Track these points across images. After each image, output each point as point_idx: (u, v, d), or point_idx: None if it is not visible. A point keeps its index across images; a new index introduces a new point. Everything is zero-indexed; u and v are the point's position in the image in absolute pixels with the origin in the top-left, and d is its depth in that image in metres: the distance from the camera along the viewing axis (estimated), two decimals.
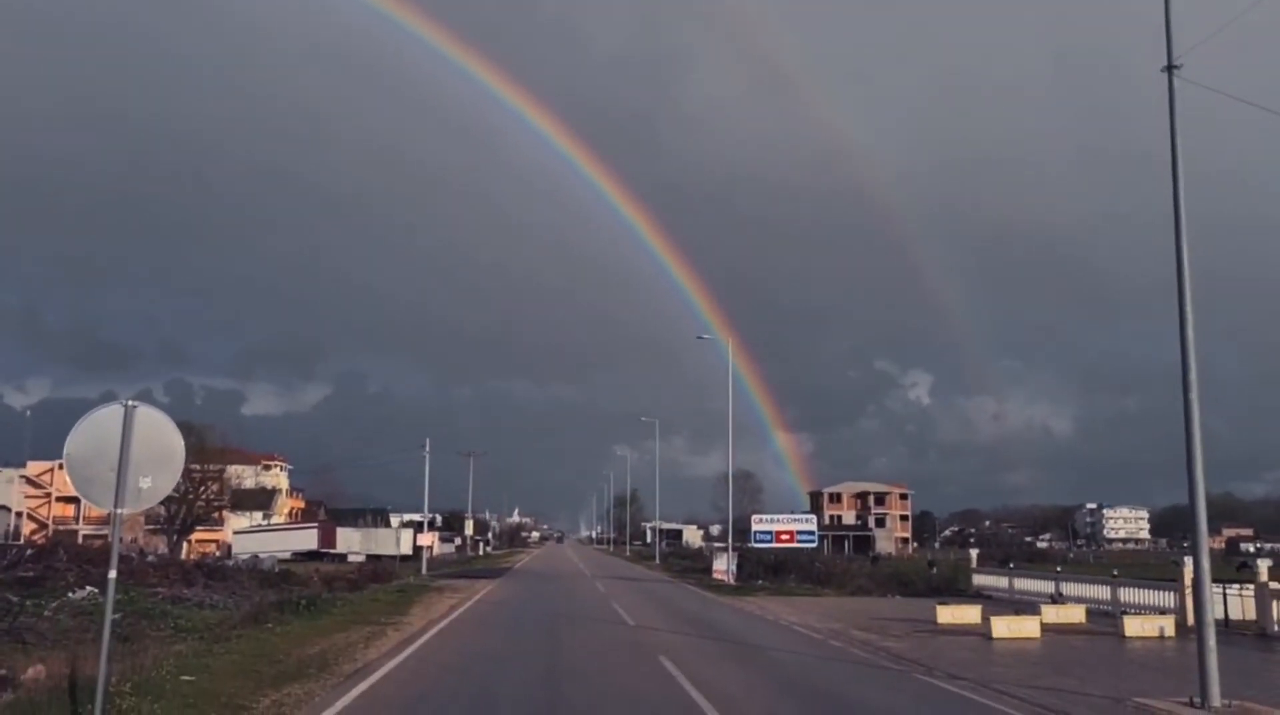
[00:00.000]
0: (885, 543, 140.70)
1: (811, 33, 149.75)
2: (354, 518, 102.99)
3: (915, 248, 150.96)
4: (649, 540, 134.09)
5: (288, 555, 74.11)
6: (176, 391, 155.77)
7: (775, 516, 60.58)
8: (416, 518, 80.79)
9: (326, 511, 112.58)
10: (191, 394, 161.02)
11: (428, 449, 70.28)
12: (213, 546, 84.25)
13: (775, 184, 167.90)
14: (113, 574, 10.94)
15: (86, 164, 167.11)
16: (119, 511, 10.96)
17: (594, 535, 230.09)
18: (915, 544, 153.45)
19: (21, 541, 70.74)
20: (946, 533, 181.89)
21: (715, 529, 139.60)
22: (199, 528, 75.12)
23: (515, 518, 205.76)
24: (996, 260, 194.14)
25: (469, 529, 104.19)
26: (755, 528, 57.89)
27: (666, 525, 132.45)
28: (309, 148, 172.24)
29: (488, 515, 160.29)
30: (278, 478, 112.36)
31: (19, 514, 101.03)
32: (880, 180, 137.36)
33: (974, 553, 53.17)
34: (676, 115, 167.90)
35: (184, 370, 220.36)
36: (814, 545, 60.20)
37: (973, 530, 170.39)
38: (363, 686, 15.39)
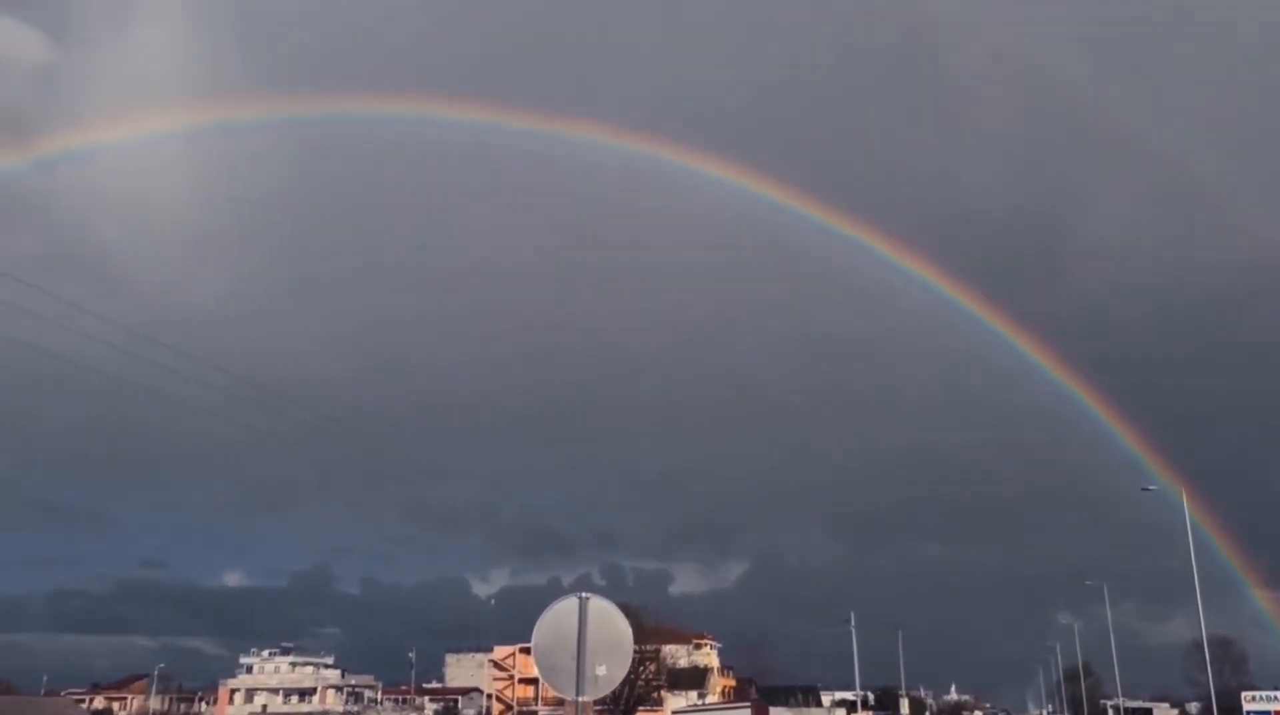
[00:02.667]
0: None
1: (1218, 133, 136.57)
2: (784, 696, 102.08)
3: None
4: None
5: None
6: (611, 574, 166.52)
7: (1276, 693, 51.59)
8: (849, 696, 78.61)
9: (757, 689, 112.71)
10: (624, 575, 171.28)
11: (852, 623, 69.02)
12: None
13: (1206, 295, 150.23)
14: None
15: (521, 373, 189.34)
16: (579, 700, 12.00)
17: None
18: None
19: None
20: None
21: (1193, 707, 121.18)
22: (640, 708, 78.29)
23: (953, 695, 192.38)
24: None
25: (905, 708, 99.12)
26: (1249, 707, 49.77)
27: (1130, 703, 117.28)
28: (716, 338, 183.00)
29: (922, 692, 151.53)
30: (708, 656, 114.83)
31: (489, 695, 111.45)
32: None
33: None
34: (1079, 244, 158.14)
35: (616, 554, 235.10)
36: None
37: None
38: None
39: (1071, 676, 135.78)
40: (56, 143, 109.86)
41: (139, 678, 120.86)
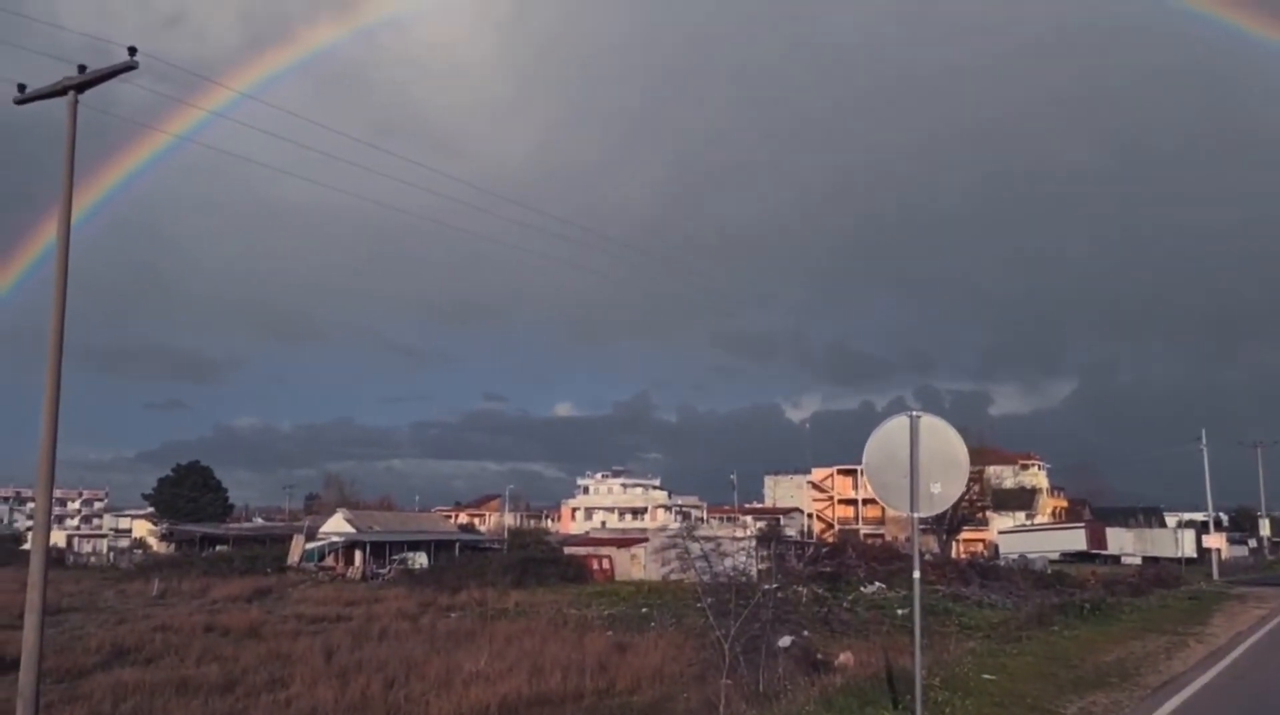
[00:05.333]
0: None
1: None
2: (1123, 517, 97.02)
3: None
4: None
5: (1055, 556, 72.59)
6: (925, 398, 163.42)
7: None
8: (1197, 517, 73.29)
9: (1091, 511, 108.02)
10: (939, 398, 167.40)
11: (1203, 441, 63.48)
12: (980, 546, 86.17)
13: None
14: (916, 574, 11.61)
15: (825, 200, 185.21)
16: (914, 515, 11.60)
17: None
18: None
19: (814, 540, 79.94)
20: None
21: None
22: (965, 528, 77.44)
23: None
24: None
25: (1265, 529, 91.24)
26: None
27: None
28: (1037, 143, 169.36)
29: None
30: (1036, 477, 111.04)
31: (809, 515, 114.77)
32: None
33: None
34: None
35: (930, 377, 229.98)
36: None
37: None
38: (1174, 703, 14.16)
39: None
40: (373, 11, 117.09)
41: (492, 497, 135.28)
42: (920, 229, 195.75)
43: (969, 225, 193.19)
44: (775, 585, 18.90)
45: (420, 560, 65.66)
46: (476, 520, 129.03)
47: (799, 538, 73.19)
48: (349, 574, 61.47)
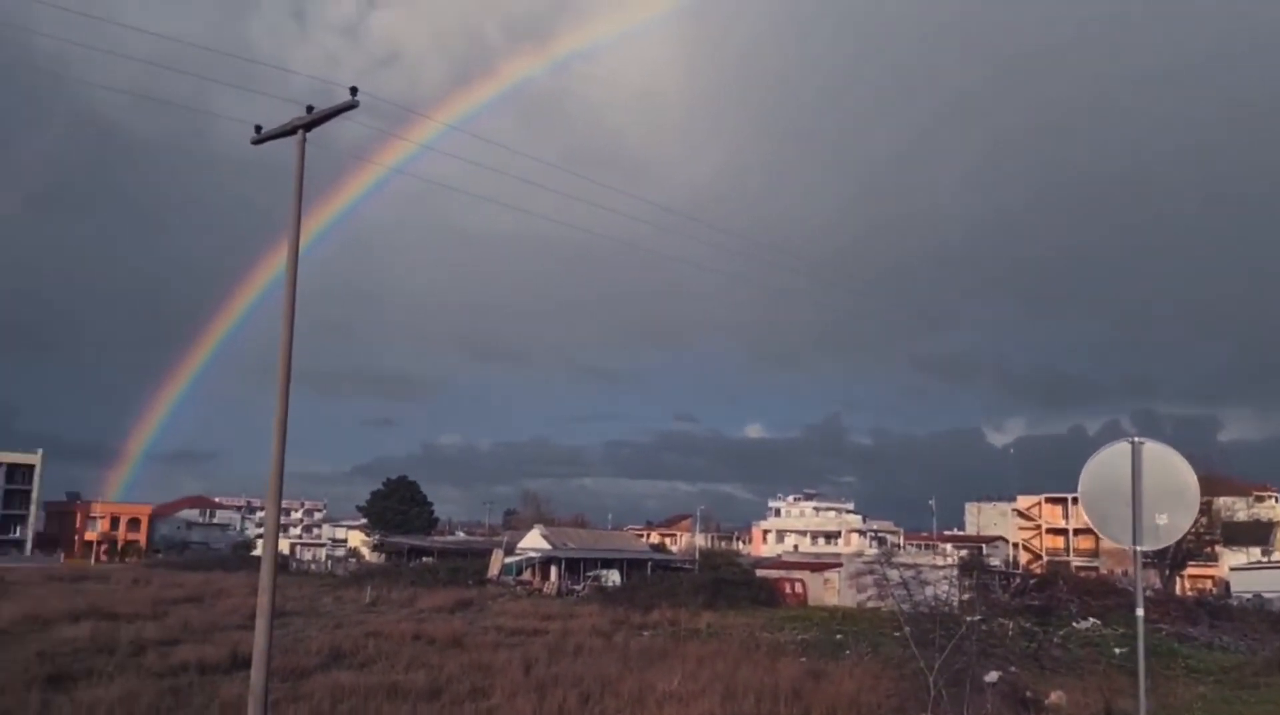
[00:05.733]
0: None
1: None
2: None
3: None
4: None
5: None
6: (1143, 422, 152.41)
7: None
8: None
9: None
10: (1159, 423, 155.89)
11: None
12: (1208, 583, 79.76)
13: None
14: (1140, 611, 10.83)
15: (1030, 219, 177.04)
16: (1137, 548, 10.79)
17: None
18: None
19: (1020, 570, 76.09)
20: None
21: None
22: (1191, 563, 71.92)
23: None
24: None
25: None
26: None
27: None
28: (1206, 159, 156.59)
29: None
30: (1273, 510, 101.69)
31: (1014, 545, 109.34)
32: None
33: None
34: None
35: (1148, 400, 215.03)
36: None
37: None
38: None
39: None
40: (568, 43, 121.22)
41: (683, 517, 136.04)
42: (1138, 244, 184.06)
43: (1196, 240, 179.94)
44: (980, 617, 18.06)
45: (613, 578, 66.72)
46: (668, 540, 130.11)
47: (1003, 568, 69.92)
48: (545, 589, 63.14)
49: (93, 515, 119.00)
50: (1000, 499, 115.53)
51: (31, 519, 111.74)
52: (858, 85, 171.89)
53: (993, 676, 16.78)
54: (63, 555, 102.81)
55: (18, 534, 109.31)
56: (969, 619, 17.48)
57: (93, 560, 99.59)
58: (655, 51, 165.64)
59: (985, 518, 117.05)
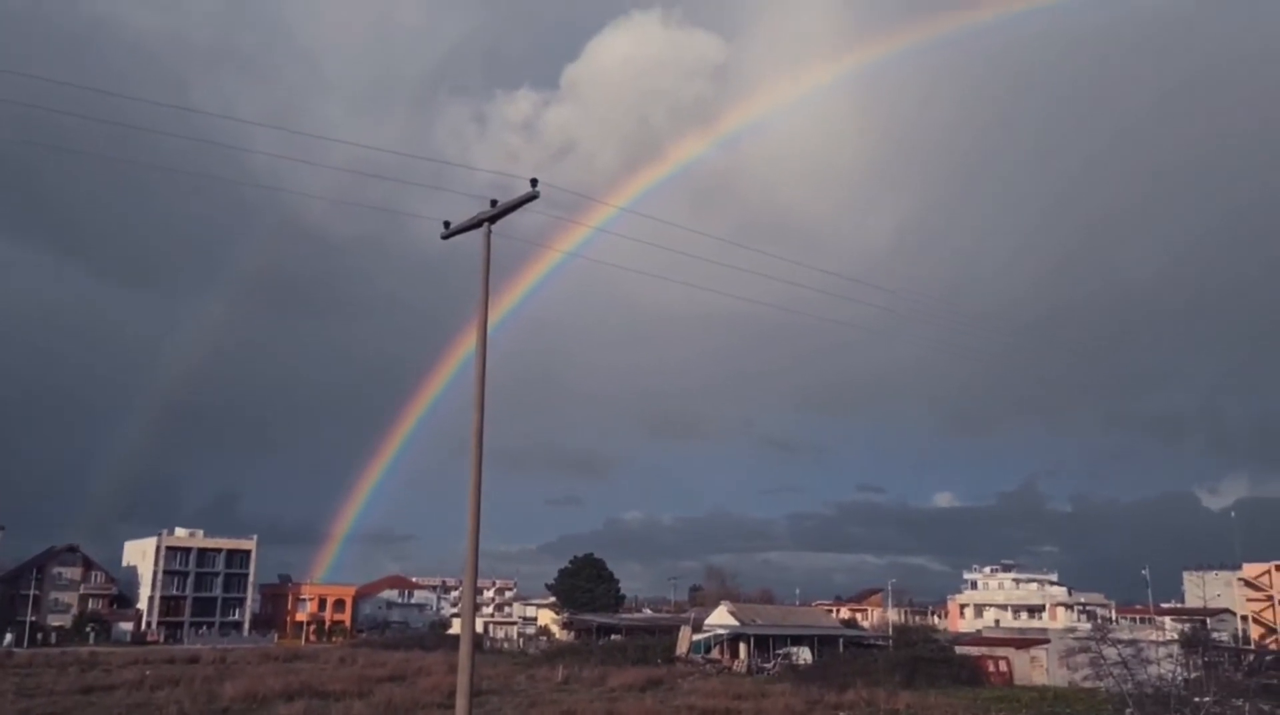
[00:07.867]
0: None
1: None
2: None
3: None
4: None
5: None
6: None
7: None
8: None
9: None
10: None
11: None
12: None
13: None
14: None
15: (1238, 267, 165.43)
16: None
17: None
18: None
19: (1253, 646, 69.41)
20: None
21: None
22: None
23: None
24: None
25: None
26: None
27: None
28: None
29: None
30: None
31: (1242, 617, 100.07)
32: None
33: None
34: None
35: None
36: None
37: None
38: None
39: None
40: (734, 122, 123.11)
41: (874, 591, 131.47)
42: None
43: None
44: (1212, 698, 16.54)
45: (804, 655, 65.00)
46: (858, 615, 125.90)
47: (1233, 643, 64.04)
48: (734, 666, 62.07)
49: (302, 597, 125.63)
50: (1223, 567, 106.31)
51: (248, 601, 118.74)
52: (1069, 148, 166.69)
53: None
54: (276, 635, 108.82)
55: (236, 616, 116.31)
56: (1198, 699, 16.05)
57: (303, 640, 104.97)
58: (823, 124, 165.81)
59: (1209, 589, 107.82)
